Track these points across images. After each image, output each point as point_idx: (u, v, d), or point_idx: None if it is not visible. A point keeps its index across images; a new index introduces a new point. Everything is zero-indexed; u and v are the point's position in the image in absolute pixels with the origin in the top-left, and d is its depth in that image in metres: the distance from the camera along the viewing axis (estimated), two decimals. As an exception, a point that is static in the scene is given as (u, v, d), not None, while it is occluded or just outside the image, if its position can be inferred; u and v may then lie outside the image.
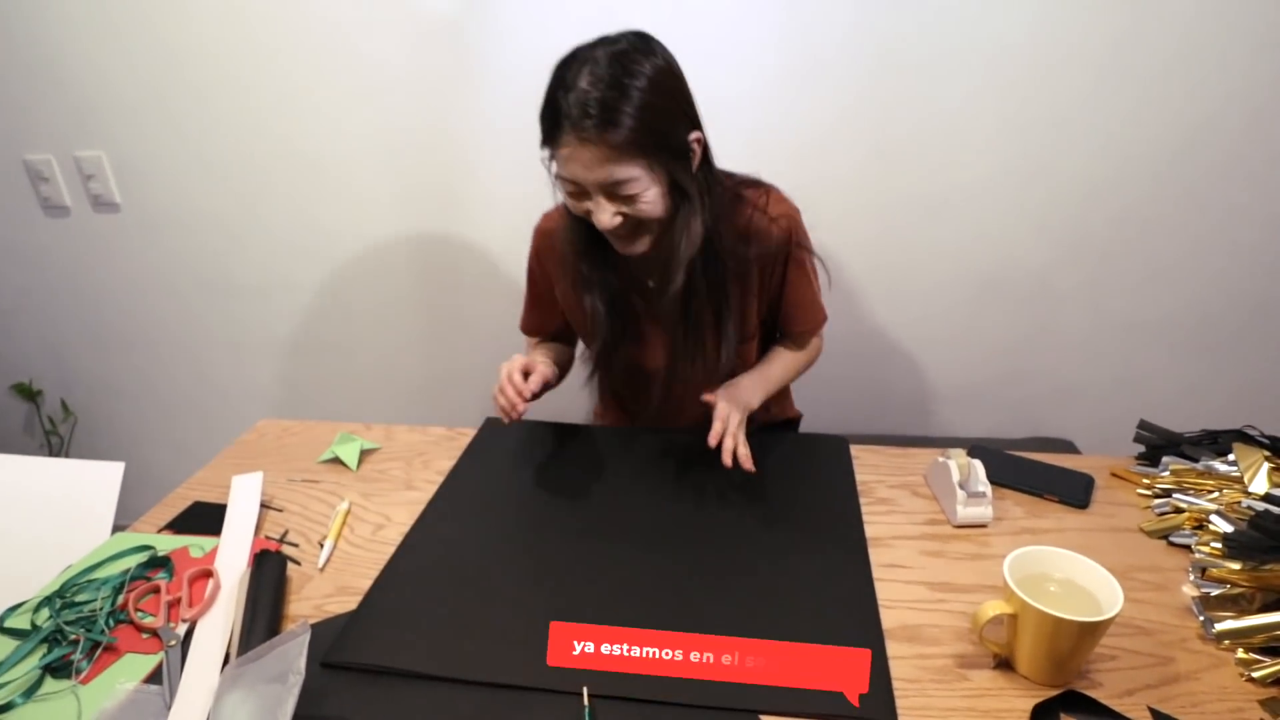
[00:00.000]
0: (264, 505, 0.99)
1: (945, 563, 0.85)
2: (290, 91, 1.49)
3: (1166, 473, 0.95)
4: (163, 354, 1.84)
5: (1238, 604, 0.74)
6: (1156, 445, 1.01)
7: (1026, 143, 1.37)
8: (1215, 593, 0.76)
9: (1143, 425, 1.02)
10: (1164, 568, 0.83)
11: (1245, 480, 0.88)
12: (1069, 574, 0.70)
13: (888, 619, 0.76)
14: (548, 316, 1.18)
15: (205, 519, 0.97)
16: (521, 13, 1.36)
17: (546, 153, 0.89)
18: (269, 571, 0.83)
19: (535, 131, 1.08)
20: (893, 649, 0.72)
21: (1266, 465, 0.88)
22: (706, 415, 0.98)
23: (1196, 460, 0.95)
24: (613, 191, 0.87)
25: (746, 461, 0.92)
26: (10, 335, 1.89)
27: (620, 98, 0.83)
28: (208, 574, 0.85)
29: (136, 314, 1.79)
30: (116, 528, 0.96)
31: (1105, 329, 1.53)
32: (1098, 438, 1.59)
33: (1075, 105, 1.33)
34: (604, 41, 0.87)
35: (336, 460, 1.09)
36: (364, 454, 1.10)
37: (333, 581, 0.85)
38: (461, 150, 1.50)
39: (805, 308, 1.11)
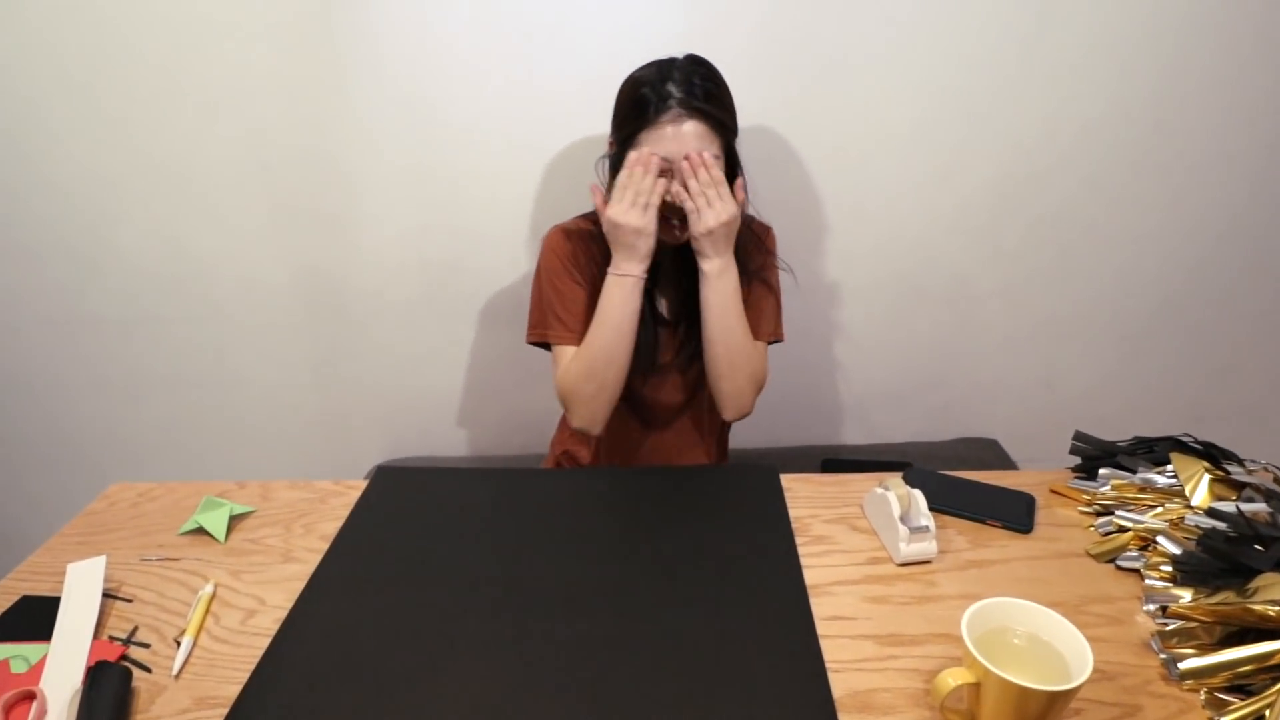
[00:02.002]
0: (109, 595, 0.83)
1: (891, 610, 0.77)
2: (142, 96, 1.30)
3: (1106, 488, 0.91)
4: (2, 401, 1.60)
5: (1197, 635, 0.70)
6: (1092, 456, 0.97)
7: (940, 143, 1.34)
8: (1173, 625, 0.71)
9: (1078, 436, 0.99)
10: (1116, 596, 0.78)
11: (1187, 493, 0.85)
12: (1031, 627, 0.64)
13: (836, 685, 0.68)
14: (588, 317, 1.05)
15: (35, 619, 0.80)
16: (398, 9, 1.22)
17: (609, 149, 1.03)
18: (105, 689, 0.68)
19: (422, 141, 1.26)
20: (844, 723, 0.65)
21: (1207, 477, 0.85)
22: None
23: (1133, 471, 0.91)
24: None
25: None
26: None
27: (716, 84, 0.97)
28: (30, 696, 0.70)
29: (-32, 357, 1.56)
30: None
31: (1022, 327, 1.53)
32: (1019, 435, 1.59)
33: (985, 105, 1.31)
34: (669, 59, 0.98)
35: (201, 530, 0.93)
36: (234, 520, 0.95)
37: (191, 691, 0.71)
38: (344, 163, 1.35)
39: (761, 319, 1.11)
